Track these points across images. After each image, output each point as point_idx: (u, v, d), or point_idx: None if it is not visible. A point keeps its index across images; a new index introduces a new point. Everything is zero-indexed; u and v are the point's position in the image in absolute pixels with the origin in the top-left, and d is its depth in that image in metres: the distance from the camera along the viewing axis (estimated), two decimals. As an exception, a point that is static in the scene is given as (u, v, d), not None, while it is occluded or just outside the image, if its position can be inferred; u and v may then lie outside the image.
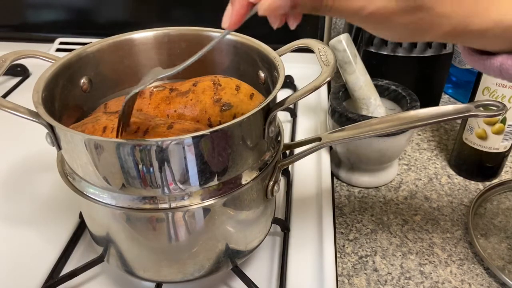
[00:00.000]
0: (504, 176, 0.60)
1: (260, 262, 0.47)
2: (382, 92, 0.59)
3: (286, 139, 0.65)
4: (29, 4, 0.91)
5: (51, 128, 0.34)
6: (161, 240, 0.37)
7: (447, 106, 0.40)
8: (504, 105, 0.38)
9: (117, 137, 0.35)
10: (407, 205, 0.56)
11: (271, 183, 0.40)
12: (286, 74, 0.38)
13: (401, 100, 0.58)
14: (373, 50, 0.67)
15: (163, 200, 0.34)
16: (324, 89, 0.76)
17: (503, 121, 0.53)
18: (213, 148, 0.33)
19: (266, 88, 0.44)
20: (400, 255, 0.49)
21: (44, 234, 0.49)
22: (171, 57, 0.47)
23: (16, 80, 0.81)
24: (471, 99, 0.55)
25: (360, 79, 0.56)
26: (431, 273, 0.47)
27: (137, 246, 0.38)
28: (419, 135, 0.69)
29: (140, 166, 0.32)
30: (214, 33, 0.45)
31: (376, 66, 0.67)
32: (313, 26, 0.86)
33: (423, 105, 0.48)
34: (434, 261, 0.48)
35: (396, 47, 0.67)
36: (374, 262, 0.48)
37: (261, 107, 0.34)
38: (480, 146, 0.56)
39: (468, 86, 0.74)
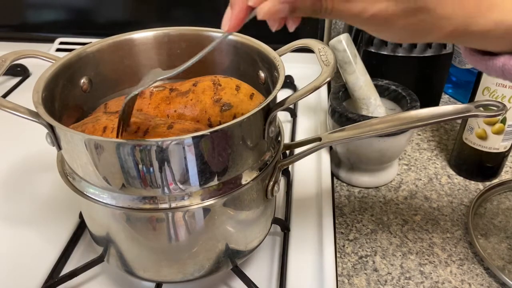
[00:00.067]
0: (504, 176, 0.60)
1: (260, 262, 0.47)
2: (382, 92, 0.59)
3: (286, 139, 0.65)
4: (29, 4, 0.91)
5: (51, 128, 0.34)
6: (161, 240, 0.37)
7: (447, 106, 0.40)
8: (504, 105, 0.38)
9: (117, 137, 0.35)
10: (407, 205, 0.56)
11: (271, 183, 0.40)
12: (286, 74, 0.38)
13: (401, 100, 0.58)
14: (373, 50, 0.67)
15: (163, 200, 0.34)
16: (324, 89, 0.76)
17: (503, 121, 0.53)
18: (213, 148, 0.33)
19: (266, 88, 0.44)
20: (400, 255, 0.49)
21: (44, 234, 0.49)
22: (171, 57, 0.47)
23: (16, 80, 0.81)
24: (471, 99, 0.55)
25: (360, 79, 0.56)
26: (431, 273, 0.47)
27: (137, 246, 0.38)
28: (419, 135, 0.69)
29: (140, 166, 0.32)
30: (214, 33, 0.45)
31: (376, 66, 0.67)
32: (313, 26, 0.86)
33: (423, 105, 0.48)
34: (434, 261, 0.48)
35: (396, 47, 0.67)
36: (374, 262, 0.48)
37: (261, 107, 0.34)
38: (480, 146, 0.56)
39: (468, 86, 0.74)
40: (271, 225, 0.46)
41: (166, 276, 0.40)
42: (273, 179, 0.40)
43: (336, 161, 0.61)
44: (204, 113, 0.42)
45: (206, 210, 0.36)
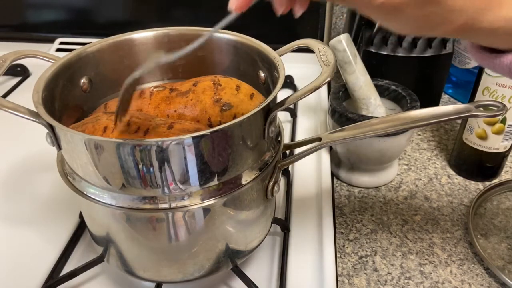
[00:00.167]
0: (504, 176, 0.60)
1: (260, 262, 0.47)
2: (382, 92, 0.59)
3: (286, 139, 0.65)
4: (29, 4, 0.91)
5: (51, 128, 0.34)
6: (161, 240, 0.37)
7: (447, 106, 0.40)
8: (504, 105, 0.38)
9: (115, 123, 0.35)
10: (407, 205, 0.56)
11: (271, 183, 0.40)
12: (286, 74, 0.38)
13: (401, 100, 0.58)
14: (373, 50, 0.67)
15: (163, 200, 0.34)
16: (324, 89, 0.76)
17: (503, 121, 0.53)
18: (213, 148, 0.33)
19: (266, 88, 0.44)
20: (400, 255, 0.49)
21: (44, 234, 0.49)
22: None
23: (16, 80, 0.81)
24: (471, 99, 0.55)
25: (360, 79, 0.56)
26: (431, 273, 0.47)
27: (137, 246, 0.38)
28: (419, 135, 0.69)
29: (140, 166, 0.32)
30: (214, 33, 0.45)
31: (376, 66, 0.67)
32: (313, 26, 0.86)
33: (423, 105, 0.48)
34: (434, 261, 0.48)
35: (396, 47, 0.67)
36: (374, 262, 0.48)
37: (261, 107, 0.34)
38: (480, 146, 0.56)
39: (468, 86, 0.74)
40: (271, 225, 0.46)
41: (166, 276, 0.40)
42: (273, 179, 0.40)
43: (336, 161, 0.61)
44: (204, 113, 0.42)
45: (206, 210, 0.36)
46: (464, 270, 0.47)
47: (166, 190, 0.34)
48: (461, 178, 0.60)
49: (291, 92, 0.72)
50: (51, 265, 0.45)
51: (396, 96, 0.59)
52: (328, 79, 0.36)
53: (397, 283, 0.46)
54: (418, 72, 0.69)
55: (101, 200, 0.35)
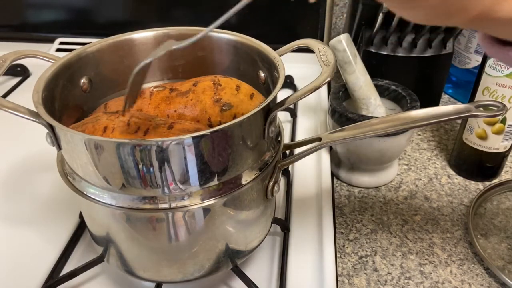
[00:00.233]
0: (504, 176, 0.60)
1: (260, 262, 0.47)
2: (382, 92, 0.59)
3: (286, 139, 0.65)
4: (29, 4, 0.91)
5: (51, 128, 0.34)
6: (161, 240, 0.37)
7: (447, 106, 0.40)
8: (504, 105, 0.38)
9: (124, 109, 0.35)
10: (407, 205, 0.56)
11: (271, 183, 0.40)
12: (286, 74, 0.38)
13: (401, 100, 0.58)
14: (373, 50, 0.67)
15: (163, 200, 0.34)
16: (324, 89, 0.76)
17: (503, 121, 0.53)
18: (213, 148, 0.33)
19: (266, 88, 0.44)
20: (400, 255, 0.49)
21: (44, 234, 0.49)
22: (171, 57, 0.47)
23: (16, 80, 0.81)
24: (471, 99, 0.55)
25: (360, 79, 0.56)
26: (431, 273, 0.47)
27: (137, 246, 0.38)
28: (419, 135, 0.69)
29: (140, 166, 0.32)
30: (214, 33, 0.45)
31: (376, 66, 0.67)
32: (313, 26, 0.86)
33: (423, 105, 0.48)
34: (434, 261, 0.48)
35: (396, 47, 0.67)
36: (374, 262, 0.48)
37: (261, 107, 0.34)
38: (480, 146, 0.56)
39: (468, 86, 0.74)
40: (271, 225, 0.46)
41: (166, 276, 0.40)
42: (273, 179, 0.40)
43: (336, 161, 0.61)
44: (204, 113, 0.42)
45: (206, 210, 0.36)
46: (464, 270, 0.47)
47: (166, 190, 0.34)
48: (461, 178, 0.60)
49: (291, 92, 0.72)
50: (51, 265, 0.45)
51: (396, 96, 0.59)
52: (328, 79, 0.36)
53: (397, 283, 0.46)
54: (418, 72, 0.69)
55: (101, 200, 0.35)
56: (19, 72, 0.82)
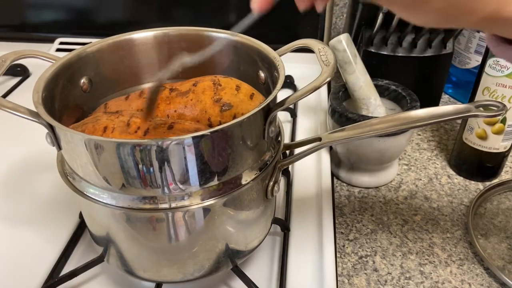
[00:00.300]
0: (504, 176, 0.60)
1: (260, 262, 0.47)
2: (382, 92, 0.59)
3: (286, 139, 0.65)
4: (29, 4, 0.91)
5: (51, 128, 0.34)
6: (161, 240, 0.37)
7: (447, 106, 0.40)
8: (504, 105, 0.38)
9: (143, 121, 0.35)
10: (407, 205, 0.56)
11: (271, 183, 0.40)
12: (286, 74, 0.38)
13: (401, 100, 0.58)
14: (373, 50, 0.67)
15: (163, 200, 0.34)
16: (324, 89, 0.76)
17: (503, 121, 0.53)
18: (213, 148, 0.33)
19: (266, 88, 0.44)
20: (400, 255, 0.49)
21: (44, 234, 0.49)
22: (171, 57, 0.47)
23: (16, 80, 0.81)
24: (471, 99, 0.55)
25: (360, 79, 0.56)
26: (431, 273, 0.47)
27: (137, 246, 0.38)
28: (419, 135, 0.69)
29: (140, 166, 0.32)
30: (214, 33, 0.45)
31: (376, 66, 0.67)
32: (313, 26, 0.86)
33: (423, 105, 0.48)
34: (434, 261, 0.48)
35: (396, 47, 0.67)
36: (374, 262, 0.48)
37: (261, 107, 0.34)
38: (480, 146, 0.56)
39: (468, 86, 0.74)
40: (271, 225, 0.46)
41: (166, 276, 0.40)
42: (273, 179, 0.40)
43: (336, 161, 0.61)
44: (204, 113, 0.41)
45: (206, 210, 0.36)
46: (464, 270, 0.47)
47: (166, 190, 0.34)
48: (461, 178, 0.60)
49: (291, 92, 0.72)
50: (51, 265, 0.45)
51: (396, 96, 0.59)
52: (328, 79, 0.36)
53: (397, 283, 0.46)
54: (418, 72, 0.69)
55: (101, 200, 0.35)
56: (19, 72, 0.82)
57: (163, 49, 0.47)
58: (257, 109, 0.33)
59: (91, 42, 0.43)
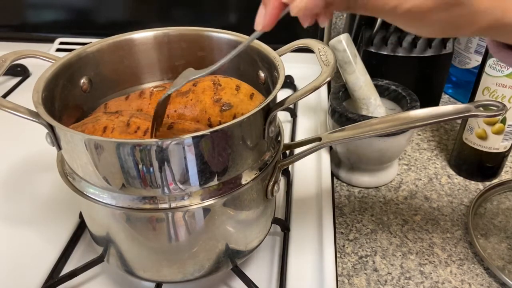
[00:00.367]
0: (504, 176, 0.60)
1: (260, 262, 0.47)
2: (382, 92, 0.59)
3: (286, 139, 0.65)
4: (29, 4, 0.91)
5: (51, 128, 0.34)
6: (161, 240, 0.37)
7: (447, 106, 0.40)
8: (504, 105, 0.38)
9: (151, 137, 0.35)
10: (407, 205, 0.56)
11: (271, 183, 0.40)
12: (286, 74, 0.38)
13: (401, 100, 0.58)
14: (373, 50, 0.67)
15: (163, 200, 0.34)
16: (324, 89, 0.76)
17: (503, 121, 0.53)
18: (213, 148, 0.33)
19: (266, 88, 0.44)
20: (400, 255, 0.49)
21: (44, 234, 0.49)
22: (171, 57, 0.47)
23: (16, 80, 0.81)
24: (471, 99, 0.55)
25: (360, 79, 0.56)
26: (431, 273, 0.47)
27: (137, 246, 0.38)
28: (419, 135, 0.69)
29: (140, 166, 0.32)
30: (214, 33, 0.45)
31: (376, 66, 0.67)
32: (313, 26, 0.85)
33: (423, 105, 0.48)
34: (434, 261, 0.48)
35: (396, 47, 0.67)
36: (374, 262, 0.48)
37: (261, 107, 0.34)
38: (480, 146, 0.56)
39: (468, 86, 0.74)
40: (271, 225, 0.46)
41: (166, 276, 0.40)
42: (273, 179, 0.40)
43: (336, 161, 0.61)
44: (204, 113, 0.42)
45: (206, 210, 0.36)
46: (464, 270, 0.47)
47: (166, 190, 0.34)
48: (461, 178, 0.60)
49: (291, 92, 0.72)
50: (51, 265, 0.45)
51: (396, 96, 0.59)
52: (328, 79, 0.36)
53: (397, 283, 0.46)
54: (418, 72, 0.69)
55: (101, 200, 0.35)
56: (19, 72, 0.82)
57: (163, 49, 0.47)
58: (257, 109, 0.34)
59: (91, 42, 0.43)
